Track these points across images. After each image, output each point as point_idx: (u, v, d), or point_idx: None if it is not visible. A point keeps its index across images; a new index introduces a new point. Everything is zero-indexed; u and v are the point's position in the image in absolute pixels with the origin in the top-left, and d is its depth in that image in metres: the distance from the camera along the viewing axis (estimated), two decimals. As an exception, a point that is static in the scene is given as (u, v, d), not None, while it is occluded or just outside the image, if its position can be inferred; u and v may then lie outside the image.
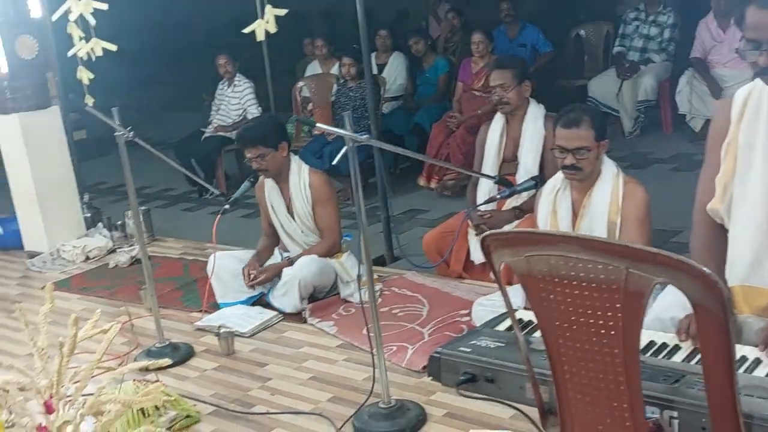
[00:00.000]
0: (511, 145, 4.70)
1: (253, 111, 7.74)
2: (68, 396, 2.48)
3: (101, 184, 8.85)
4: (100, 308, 3.05)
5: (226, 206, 4.58)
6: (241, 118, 7.74)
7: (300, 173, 4.72)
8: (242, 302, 4.66)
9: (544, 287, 1.99)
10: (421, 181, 7.07)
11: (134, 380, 3.46)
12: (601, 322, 1.94)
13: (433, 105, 7.59)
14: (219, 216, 4.57)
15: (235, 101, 7.83)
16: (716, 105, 2.56)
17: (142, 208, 5.99)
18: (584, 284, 1.93)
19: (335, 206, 4.72)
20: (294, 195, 4.71)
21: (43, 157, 6.09)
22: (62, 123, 6.20)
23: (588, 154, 3.64)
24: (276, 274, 4.61)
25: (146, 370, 3.76)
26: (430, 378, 2.33)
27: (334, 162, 3.32)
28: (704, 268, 1.82)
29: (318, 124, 3.62)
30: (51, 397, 2.44)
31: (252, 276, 4.62)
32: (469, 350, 2.27)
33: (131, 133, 4.05)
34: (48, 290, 2.70)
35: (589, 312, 1.94)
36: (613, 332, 1.93)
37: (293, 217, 4.73)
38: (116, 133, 4.04)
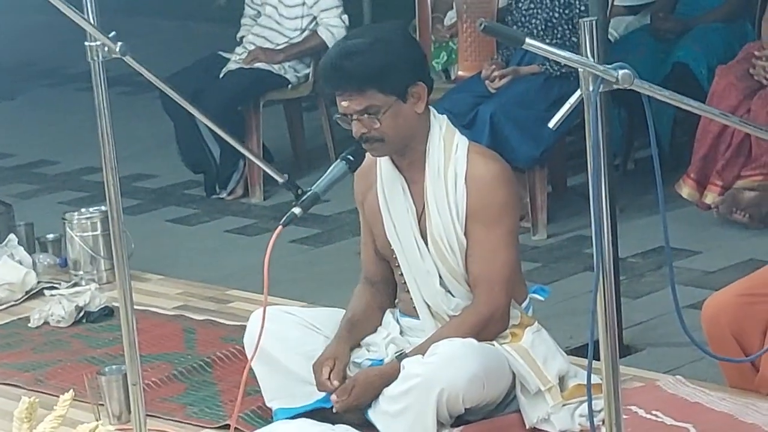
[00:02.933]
0: None
1: (334, 23, 3.27)
2: None
3: (8, 156, 3.94)
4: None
5: (296, 210, 1.53)
6: (302, 35, 3.33)
7: (450, 149, 1.62)
8: (311, 409, 1.65)
9: None
10: (684, 188, 2.77)
11: None
12: None
13: (716, 25, 3.00)
14: (278, 229, 1.49)
15: (295, 3, 3.33)
16: None
17: (97, 209, 2.48)
18: None
19: (512, 227, 1.65)
20: (433, 194, 1.61)
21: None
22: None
23: None
24: (378, 385, 1.59)
25: None
26: None
27: (553, 124, 1.00)
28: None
29: (529, 41, 0.95)
30: None
31: (333, 384, 1.59)
32: None
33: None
34: None
35: None
36: None
37: (426, 242, 1.62)
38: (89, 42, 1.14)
